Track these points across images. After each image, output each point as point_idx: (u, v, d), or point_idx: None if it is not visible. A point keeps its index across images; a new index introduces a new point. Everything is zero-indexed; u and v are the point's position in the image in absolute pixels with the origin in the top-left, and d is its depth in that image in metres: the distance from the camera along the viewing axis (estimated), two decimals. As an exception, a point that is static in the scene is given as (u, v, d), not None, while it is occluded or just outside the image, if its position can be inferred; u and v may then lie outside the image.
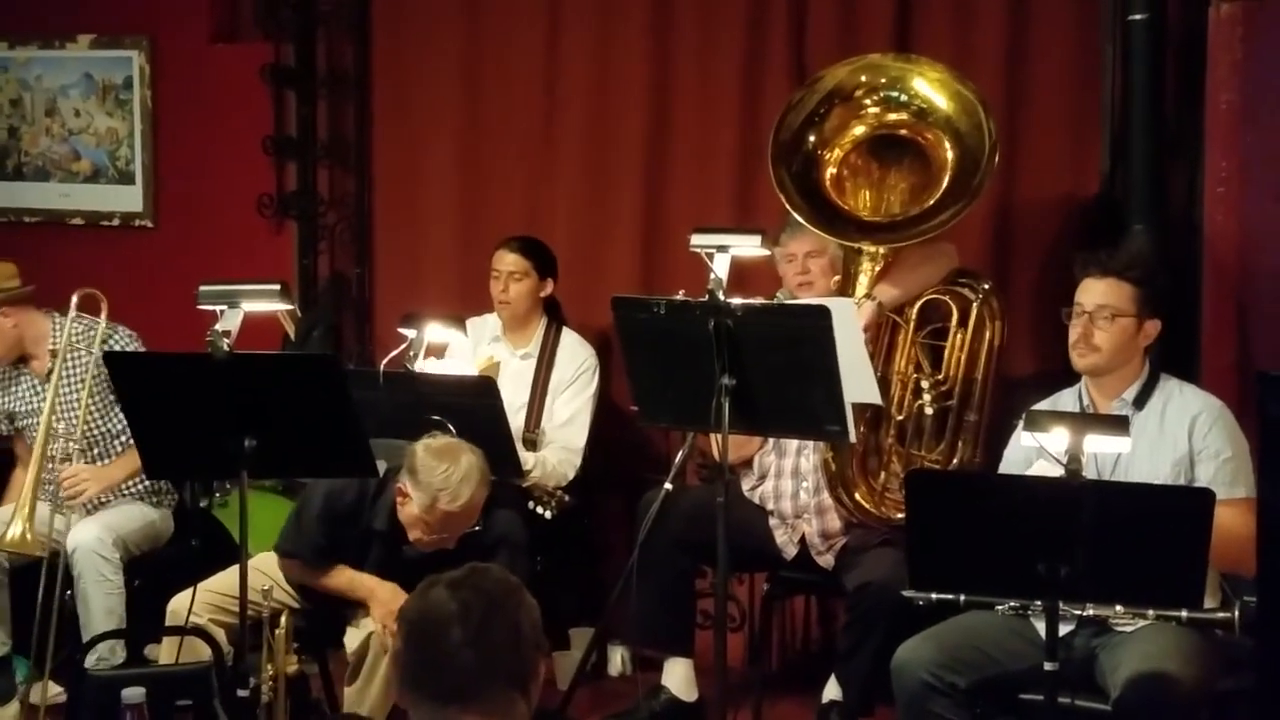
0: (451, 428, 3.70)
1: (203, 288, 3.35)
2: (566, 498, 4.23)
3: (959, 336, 3.99)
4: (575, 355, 4.46)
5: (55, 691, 4.10)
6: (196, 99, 5.29)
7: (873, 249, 3.91)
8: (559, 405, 4.41)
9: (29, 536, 3.97)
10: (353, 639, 3.66)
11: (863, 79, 4.00)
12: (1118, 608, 3.18)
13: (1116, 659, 3.23)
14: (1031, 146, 4.35)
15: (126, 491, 4.27)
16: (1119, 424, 2.98)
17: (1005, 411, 3.87)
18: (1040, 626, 3.20)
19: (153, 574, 4.18)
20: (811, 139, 4.01)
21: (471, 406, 3.94)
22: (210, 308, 3.32)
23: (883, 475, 3.96)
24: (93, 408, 4.19)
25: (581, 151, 4.81)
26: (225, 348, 3.21)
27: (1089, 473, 2.91)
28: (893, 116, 4.00)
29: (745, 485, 4.14)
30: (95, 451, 4.24)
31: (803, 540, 4.04)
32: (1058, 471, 2.85)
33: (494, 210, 4.92)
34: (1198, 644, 3.22)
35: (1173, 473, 3.36)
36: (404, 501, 3.55)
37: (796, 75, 4.49)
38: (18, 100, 5.50)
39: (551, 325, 4.52)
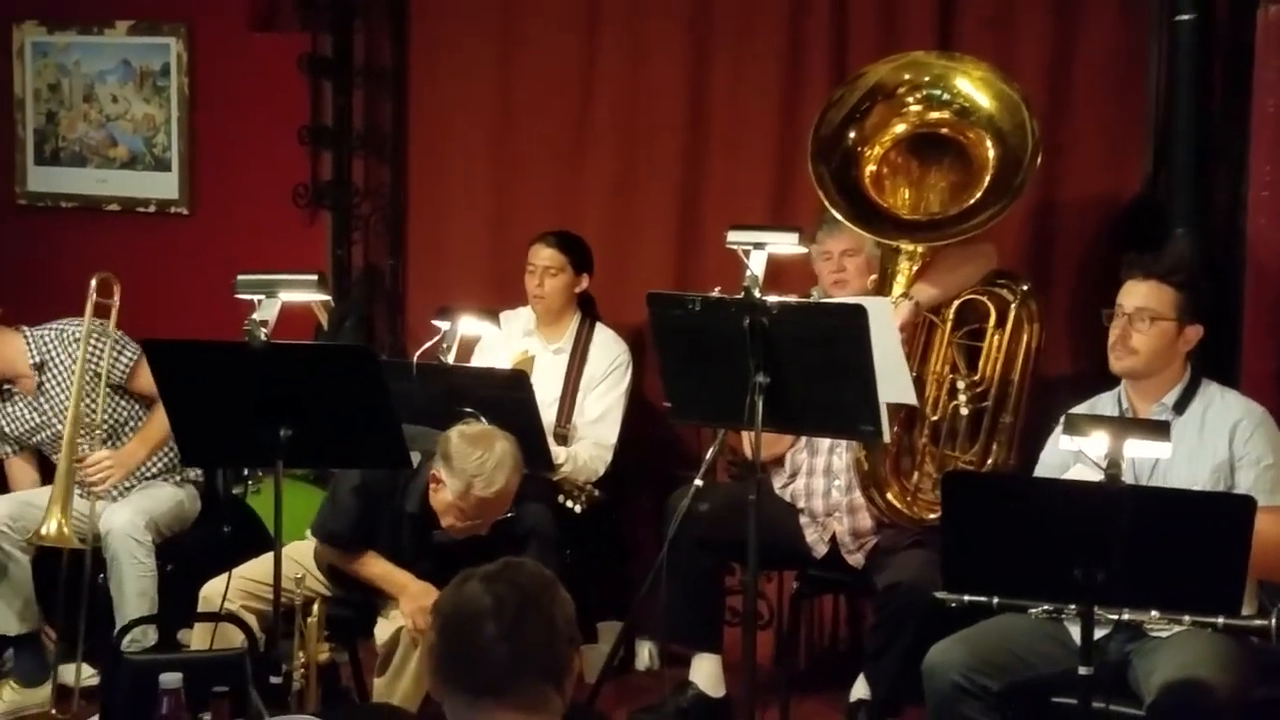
0: (484, 419, 3.70)
1: (241, 277, 3.36)
2: (596, 492, 4.24)
3: (996, 338, 3.96)
4: (609, 351, 4.46)
5: (88, 673, 4.13)
6: (233, 87, 5.30)
7: (911, 248, 3.89)
8: (591, 401, 4.40)
9: (65, 530, 3.99)
10: (383, 631, 3.67)
11: (906, 77, 3.98)
12: (1153, 613, 3.16)
13: (1151, 664, 3.21)
14: (1073, 147, 4.32)
15: (151, 472, 4.28)
16: (1160, 429, 2.96)
17: (1041, 413, 3.84)
18: (1074, 630, 3.18)
19: (185, 559, 4.20)
20: (852, 135, 3.99)
21: (503, 399, 3.95)
22: (248, 297, 3.33)
23: (916, 476, 3.94)
24: (92, 401, 4.18)
25: (616, 146, 4.81)
26: (263, 337, 3.22)
27: (1126, 478, 2.88)
28: (934, 115, 3.98)
29: (776, 483, 4.13)
30: (111, 444, 4.24)
31: (833, 539, 4.03)
32: (1094, 475, 2.83)
33: (528, 204, 4.92)
34: (1234, 651, 3.19)
35: (1212, 479, 3.33)
36: (437, 488, 3.56)
37: (835, 73, 4.47)
38: (56, 85, 5.53)
39: (585, 320, 4.51)
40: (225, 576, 3.57)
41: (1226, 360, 3.87)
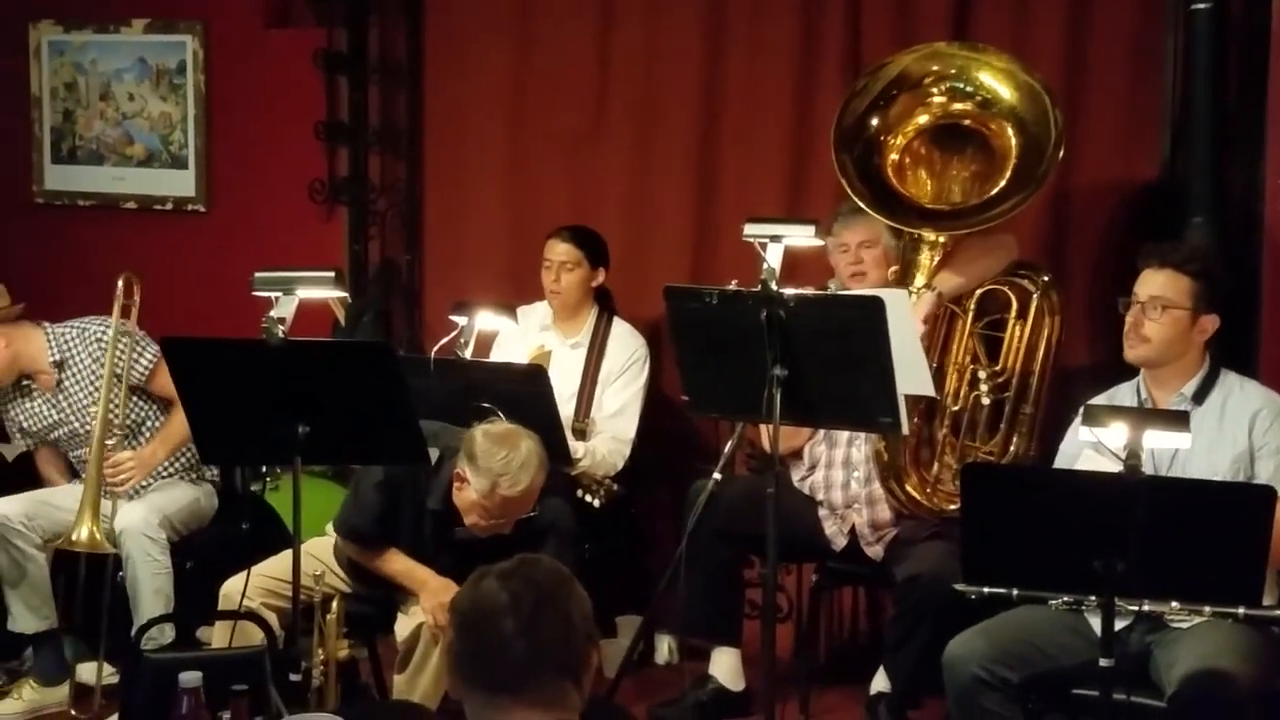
0: (501, 415, 3.70)
1: (258, 274, 3.36)
2: (615, 486, 4.24)
3: (1017, 328, 3.96)
4: (626, 345, 4.46)
5: (108, 672, 4.14)
6: (249, 84, 5.31)
7: (933, 237, 3.89)
8: (609, 396, 4.40)
9: (97, 536, 3.97)
10: (403, 627, 3.67)
11: (933, 68, 3.97)
12: (1174, 604, 3.16)
13: (1172, 655, 3.20)
14: (1090, 137, 4.30)
15: (168, 471, 4.29)
16: (1179, 419, 2.95)
17: (1061, 403, 3.83)
18: (1094, 622, 3.18)
19: (203, 557, 4.21)
20: (874, 123, 3.98)
21: (521, 394, 3.95)
22: (265, 294, 3.33)
23: (935, 467, 3.93)
24: (115, 403, 4.19)
25: (632, 141, 4.80)
26: (280, 334, 3.22)
27: (1146, 468, 2.87)
28: (958, 106, 3.97)
29: (795, 476, 4.13)
30: (128, 443, 4.24)
31: (852, 531, 4.02)
32: (1106, 463, 2.82)
33: (544, 198, 4.91)
34: (1255, 641, 3.19)
35: (1232, 469, 3.32)
36: (461, 486, 3.56)
37: (850, 66, 4.46)
38: (72, 84, 5.54)
39: (603, 315, 4.51)
40: (245, 574, 3.57)
41: (1244, 349, 3.85)
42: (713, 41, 4.68)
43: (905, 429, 3.47)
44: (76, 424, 4.23)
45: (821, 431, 4.05)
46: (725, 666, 4.15)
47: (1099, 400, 3.48)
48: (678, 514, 4.18)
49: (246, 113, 5.32)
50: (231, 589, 3.62)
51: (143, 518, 4.08)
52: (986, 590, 3.16)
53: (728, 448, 4.03)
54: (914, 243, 3.94)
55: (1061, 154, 3.82)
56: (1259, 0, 3.97)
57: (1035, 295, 3.96)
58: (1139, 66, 4.28)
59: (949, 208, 3.97)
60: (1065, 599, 3.25)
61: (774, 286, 3.32)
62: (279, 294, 3.31)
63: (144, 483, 4.24)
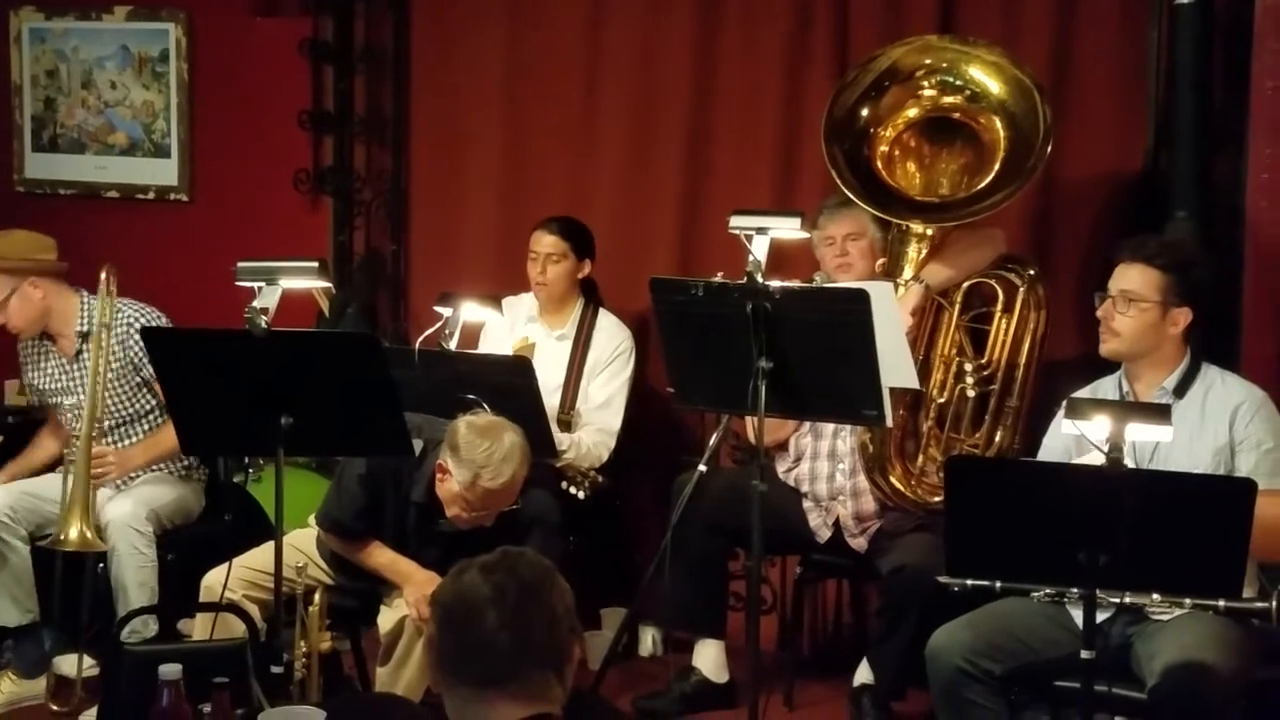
0: (486, 406, 3.70)
1: (241, 264, 3.34)
2: (600, 478, 4.23)
3: (1003, 322, 3.97)
4: (612, 337, 4.45)
5: (88, 664, 4.12)
6: (233, 73, 5.29)
7: (920, 229, 3.89)
8: (595, 387, 4.40)
9: (89, 535, 3.94)
10: (386, 620, 3.66)
11: (924, 61, 3.98)
12: (1155, 596, 3.16)
13: (1153, 647, 3.21)
14: (1075, 131, 4.30)
15: (157, 466, 4.28)
16: (1161, 413, 2.95)
17: (1046, 396, 3.84)
18: (1076, 614, 3.18)
19: (186, 549, 4.19)
20: (865, 114, 3.99)
21: (507, 385, 3.94)
22: (248, 284, 3.31)
23: (920, 459, 3.94)
24: (119, 388, 4.19)
25: (622, 132, 4.79)
26: (263, 325, 3.21)
27: (1127, 461, 2.87)
28: (948, 99, 3.98)
29: (780, 467, 4.13)
30: (121, 431, 4.24)
31: (836, 523, 4.03)
32: (1098, 459, 2.83)
33: (532, 190, 4.90)
34: (1235, 633, 3.20)
35: (1213, 462, 3.33)
36: (443, 478, 3.55)
37: (839, 59, 4.47)
38: (54, 71, 5.51)
39: (588, 306, 4.51)
40: (226, 566, 3.56)
41: (1227, 343, 3.86)
42: (703, 33, 4.67)
43: (890, 421, 3.48)
44: (82, 396, 4.19)
45: (807, 423, 4.05)
46: (709, 658, 4.16)
47: (1082, 394, 3.49)
48: (663, 506, 4.18)
49: (230, 101, 5.30)
50: (213, 581, 3.60)
51: (130, 511, 4.06)
52: (970, 582, 3.16)
53: (713, 440, 4.03)
54: (901, 235, 3.94)
55: (1050, 148, 3.83)
56: (1244, -6, 3.99)
57: (1021, 289, 3.97)
58: (1124, 61, 4.29)
59: (937, 200, 3.98)
60: (1048, 591, 3.25)
61: (760, 278, 3.32)
62: (262, 284, 3.29)
63: (131, 475, 4.22)
